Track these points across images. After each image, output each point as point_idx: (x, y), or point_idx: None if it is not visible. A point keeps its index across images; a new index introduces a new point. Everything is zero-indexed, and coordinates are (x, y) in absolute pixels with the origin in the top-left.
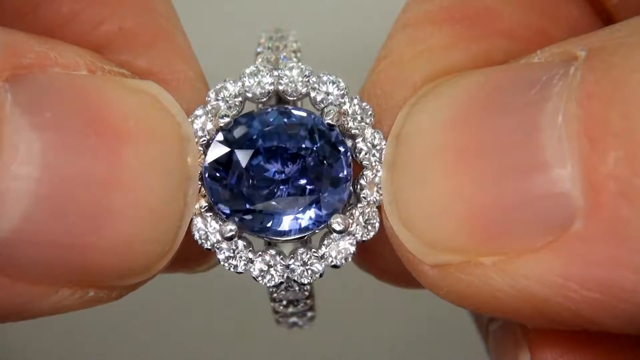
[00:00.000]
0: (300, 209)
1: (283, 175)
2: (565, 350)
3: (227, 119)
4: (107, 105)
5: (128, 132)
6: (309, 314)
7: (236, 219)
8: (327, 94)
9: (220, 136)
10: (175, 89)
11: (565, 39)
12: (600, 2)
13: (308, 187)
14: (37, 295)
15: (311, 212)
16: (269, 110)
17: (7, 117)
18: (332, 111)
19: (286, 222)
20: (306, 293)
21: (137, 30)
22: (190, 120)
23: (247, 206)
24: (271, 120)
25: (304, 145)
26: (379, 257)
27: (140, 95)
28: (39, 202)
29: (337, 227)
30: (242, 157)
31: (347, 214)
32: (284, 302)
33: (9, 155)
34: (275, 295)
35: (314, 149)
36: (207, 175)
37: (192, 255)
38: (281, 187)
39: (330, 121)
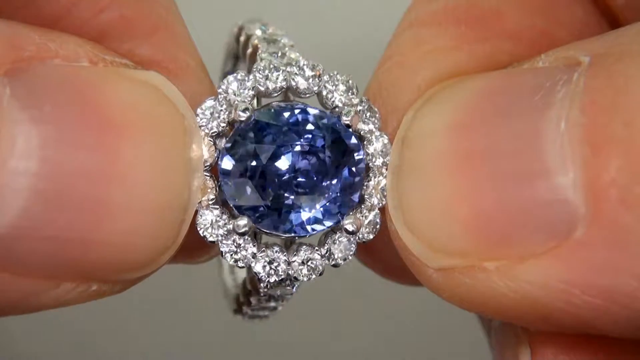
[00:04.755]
0: (311, 208)
1: (296, 173)
2: (564, 347)
3: (248, 113)
4: (108, 97)
5: (129, 125)
6: (280, 307)
7: (247, 214)
8: (339, 93)
9: (234, 130)
10: (178, 79)
11: (570, 41)
12: (606, 2)
13: (320, 186)
14: (39, 289)
15: (322, 212)
16: (284, 106)
17: (5, 111)
18: (351, 112)
19: (296, 220)
20: (294, 290)
21: (138, 19)
22: (200, 111)
23: (258, 202)
24: (286, 117)
25: (318, 144)
26: (382, 255)
27: (143, 86)
28: (37, 197)
29: (350, 228)
30: (255, 152)
31: (352, 213)
32: (266, 297)
33: (7, 149)
34: (264, 290)
35: (329, 148)
36: (220, 169)
37: (195, 247)
38: (293, 184)
39: (348, 122)
